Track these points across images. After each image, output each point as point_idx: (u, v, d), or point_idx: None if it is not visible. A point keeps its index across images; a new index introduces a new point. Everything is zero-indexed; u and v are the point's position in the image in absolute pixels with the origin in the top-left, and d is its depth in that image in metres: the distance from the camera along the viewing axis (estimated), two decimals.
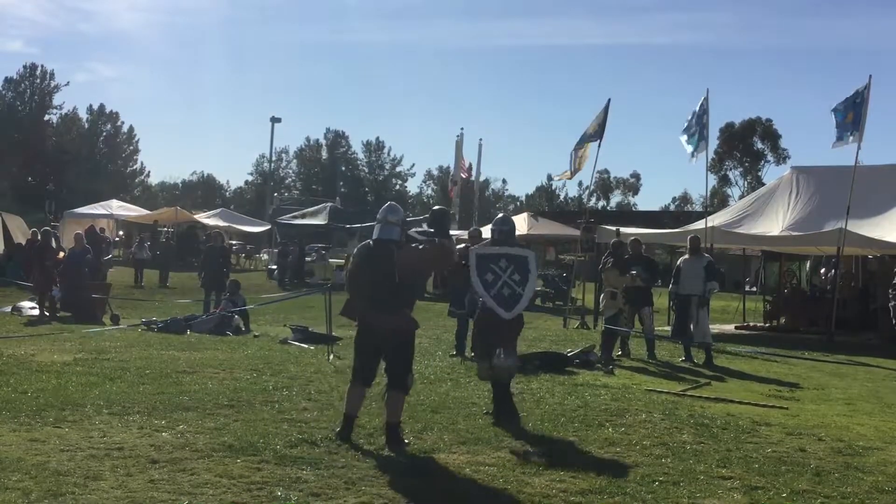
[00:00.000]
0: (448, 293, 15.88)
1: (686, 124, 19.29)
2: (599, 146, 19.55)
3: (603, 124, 19.54)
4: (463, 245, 13.83)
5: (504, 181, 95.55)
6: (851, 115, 17.25)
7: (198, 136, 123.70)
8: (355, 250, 7.72)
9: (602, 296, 14.19)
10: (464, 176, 40.28)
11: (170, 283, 28.29)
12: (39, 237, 20.68)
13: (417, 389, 9.53)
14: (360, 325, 7.30)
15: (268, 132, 52.13)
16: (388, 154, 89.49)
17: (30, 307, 17.68)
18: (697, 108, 19.20)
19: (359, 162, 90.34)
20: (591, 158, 20.27)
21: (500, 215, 9.24)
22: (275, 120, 51.86)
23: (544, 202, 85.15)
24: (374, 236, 7.40)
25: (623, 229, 18.66)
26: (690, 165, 21.73)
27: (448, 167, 64.27)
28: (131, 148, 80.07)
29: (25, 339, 13.13)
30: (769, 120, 73.50)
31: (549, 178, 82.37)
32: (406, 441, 7.03)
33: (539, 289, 27.67)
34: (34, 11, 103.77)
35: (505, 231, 8.71)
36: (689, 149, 19.08)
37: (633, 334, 14.08)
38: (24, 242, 24.96)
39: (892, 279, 15.97)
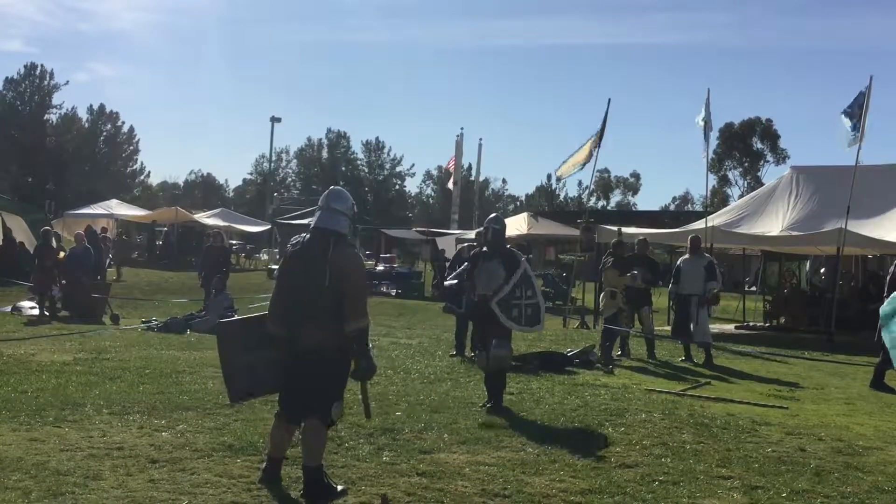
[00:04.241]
0: (444, 292, 15.85)
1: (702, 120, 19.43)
2: (599, 146, 19.56)
3: (603, 125, 19.58)
4: (466, 245, 13.93)
5: (504, 181, 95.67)
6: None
7: (198, 136, 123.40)
8: (288, 245, 5.96)
9: (602, 295, 14.21)
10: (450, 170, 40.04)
11: (123, 278, 28.23)
12: (14, 235, 20.62)
13: (417, 389, 9.56)
14: (286, 342, 5.65)
15: (268, 132, 52.24)
16: (388, 154, 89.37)
17: (30, 307, 17.68)
18: (703, 111, 19.37)
19: (359, 162, 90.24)
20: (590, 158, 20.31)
21: (494, 215, 9.41)
22: (275, 120, 51.98)
23: (544, 202, 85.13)
24: (312, 225, 5.77)
25: (623, 229, 18.66)
26: (690, 166, 21.97)
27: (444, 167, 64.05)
28: (131, 148, 79.98)
29: (26, 339, 13.12)
30: (769, 120, 73.58)
31: (550, 177, 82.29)
32: (339, 488, 5.58)
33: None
34: (33, 11, 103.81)
35: (497, 230, 8.97)
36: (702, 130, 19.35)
37: (633, 334, 14.10)
38: (24, 242, 24.91)
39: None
